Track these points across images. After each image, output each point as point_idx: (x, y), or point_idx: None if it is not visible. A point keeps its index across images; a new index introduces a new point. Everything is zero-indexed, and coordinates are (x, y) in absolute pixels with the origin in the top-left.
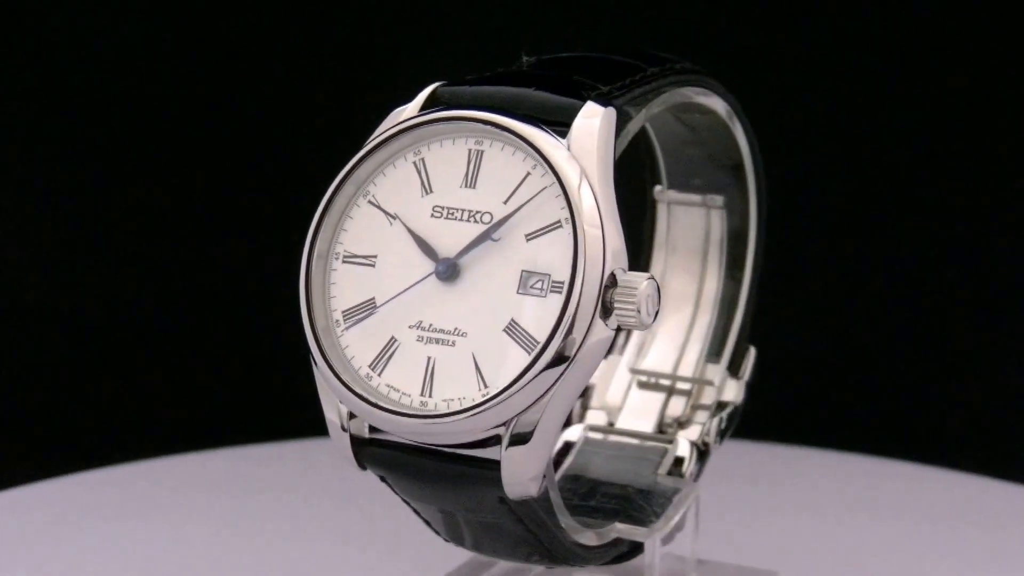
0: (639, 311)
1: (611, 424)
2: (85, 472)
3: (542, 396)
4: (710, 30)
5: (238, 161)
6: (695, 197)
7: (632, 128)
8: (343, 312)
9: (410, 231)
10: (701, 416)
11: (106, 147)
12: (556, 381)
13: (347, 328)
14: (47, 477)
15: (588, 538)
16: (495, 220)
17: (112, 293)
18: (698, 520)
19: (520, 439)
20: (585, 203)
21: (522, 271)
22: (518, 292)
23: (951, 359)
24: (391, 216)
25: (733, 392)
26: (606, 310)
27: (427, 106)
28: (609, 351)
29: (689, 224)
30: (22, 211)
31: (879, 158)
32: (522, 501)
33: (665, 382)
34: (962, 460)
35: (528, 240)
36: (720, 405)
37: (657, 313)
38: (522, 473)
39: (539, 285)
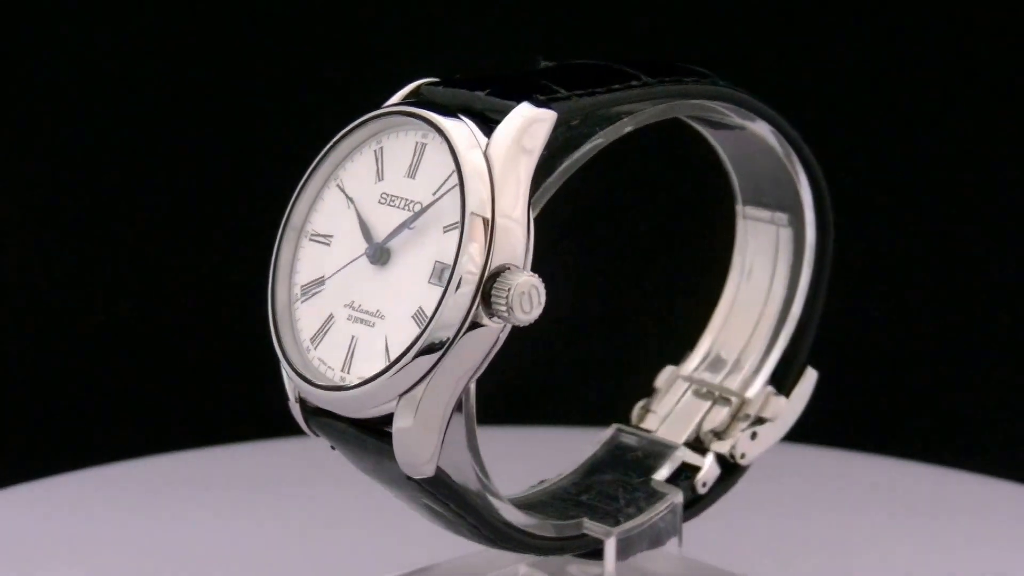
0: (511, 308)
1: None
2: (83, 470)
3: (420, 380)
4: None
5: (242, 161)
6: (765, 213)
7: (608, 134)
8: (301, 287)
9: (358, 214)
10: (737, 429)
11: (106, 146)
12: (433, 367)
13: (303, 302)
14: (46, 475)
15: (542, 528)
16: (419, 210)
17: (112, 292)
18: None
19: (405, 419)
20: (478, 199)
21: (436, 262)
22: (429, 281)
23: (948, 357)
24: (350, 199)
25: (773, 409)
26: (487, 304)
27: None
28: (680, 359)
29: (762, 240)
30: (21, 211)
31: (882, 157)
32: (435, 482)
33: (715, 392)
34: (960, 459)
35: (445, 232)
36: (759, 420)
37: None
38: (411, 453)
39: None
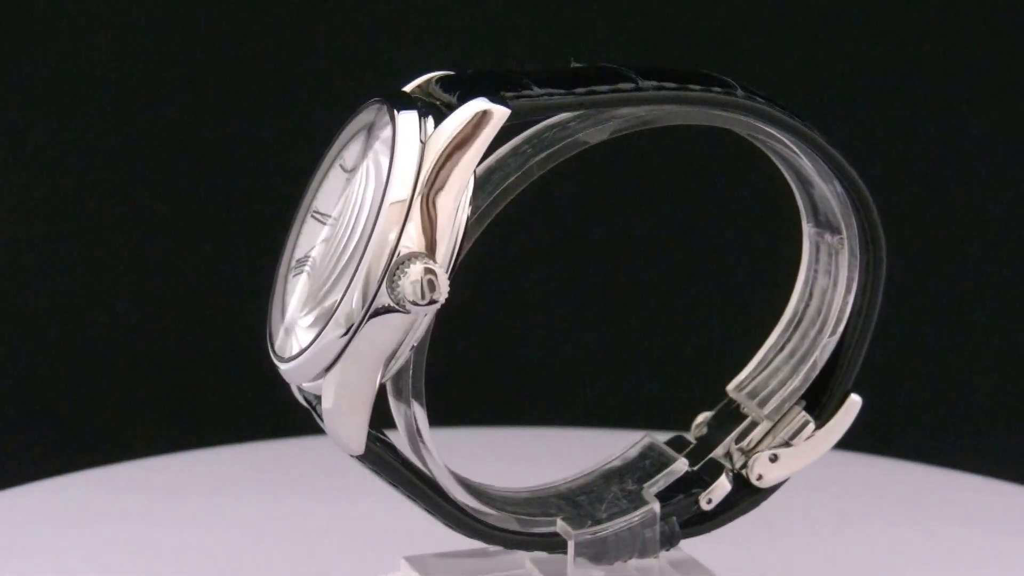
0: (403, 300)
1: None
2: (83, 470)
3: (334, 362)
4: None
5: (245, 158)
6: (824, 233)
7: (593, 135)
8: (296, 260)
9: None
10: (762, 447)
11: (109, 147)
12: (343, 350)
13: (295, 275)
14: (46, 475)
15: (504, 521)
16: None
17: (112, 291)
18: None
19: (327, 398)
20: (399, 186)
21: None
22: None
23: (946, 357)
24: (346, 181)
25: (804, 433)
26: (394, 293)
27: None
28: (734, 376)
29: (824, 260)
30: (20, 211)
31: (881, 156)
32: (373, 461)
33: (753, 410)
34: (960, 460)
35: None
36: (787, 444)
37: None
38: (335, 431)
39: None
